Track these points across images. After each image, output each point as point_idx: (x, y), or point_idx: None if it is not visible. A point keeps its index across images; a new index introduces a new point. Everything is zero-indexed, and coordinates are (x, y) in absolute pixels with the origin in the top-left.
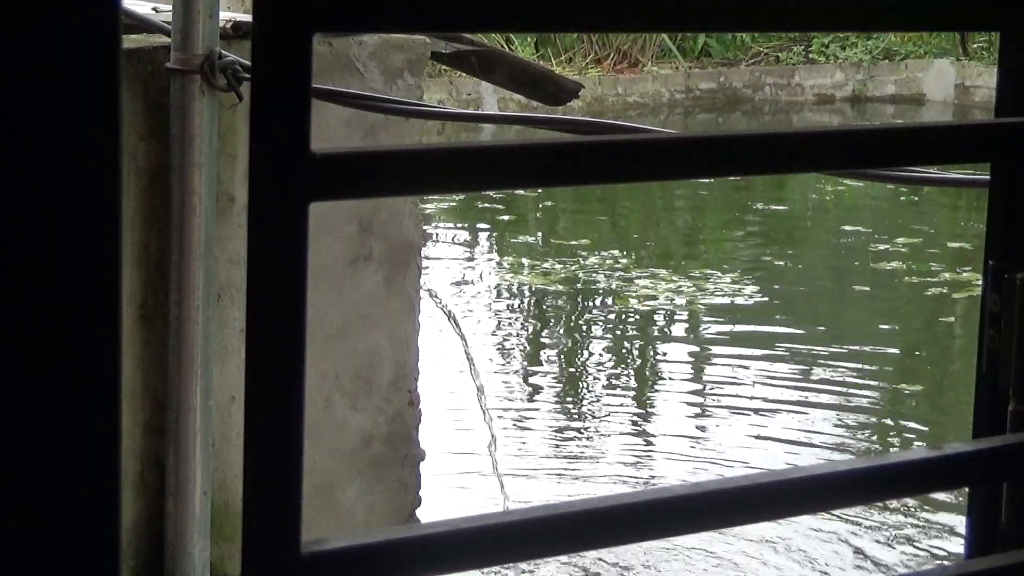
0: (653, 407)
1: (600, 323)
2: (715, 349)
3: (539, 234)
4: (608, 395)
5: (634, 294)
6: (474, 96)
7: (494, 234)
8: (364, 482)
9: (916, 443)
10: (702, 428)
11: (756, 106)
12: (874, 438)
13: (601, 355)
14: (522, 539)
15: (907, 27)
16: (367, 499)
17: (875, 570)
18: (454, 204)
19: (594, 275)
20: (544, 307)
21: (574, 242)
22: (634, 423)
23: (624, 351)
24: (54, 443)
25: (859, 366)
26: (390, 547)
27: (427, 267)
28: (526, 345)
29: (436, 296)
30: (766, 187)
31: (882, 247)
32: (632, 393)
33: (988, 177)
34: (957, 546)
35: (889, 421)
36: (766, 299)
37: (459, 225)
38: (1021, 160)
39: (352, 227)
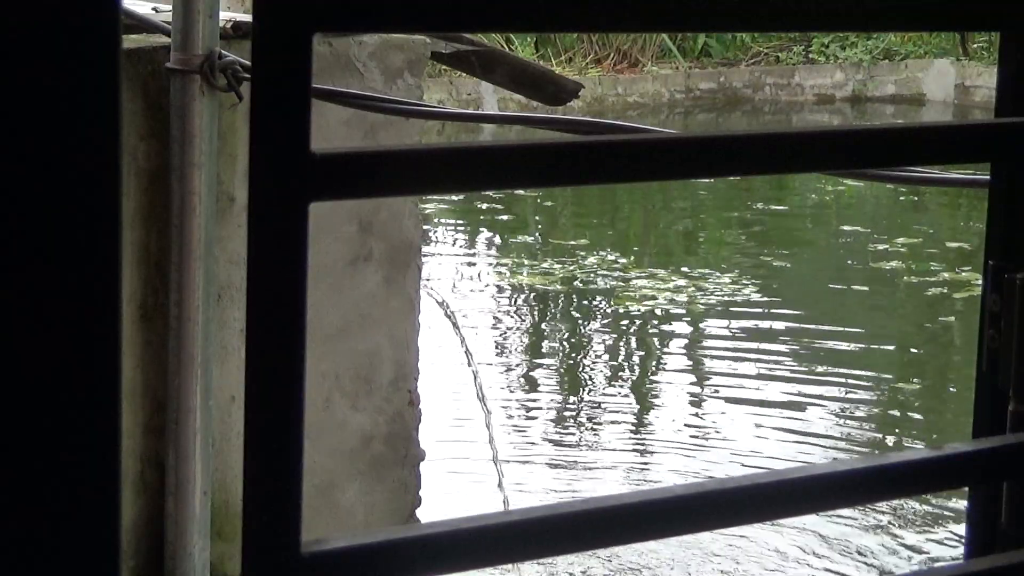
0: (653, 406)
1: (599, 323)
2: (714, 349)
3: (538, 234)
4: (608, 395)
5: (633, 294)
6: (474, 96)
7: (493, 234)
8: (364, 482)
9: (915, 443)
10: (702, 427)
11: (756, 106)
12: (874, 438)
13: (600, 355)
14: (522, 539)
15: (907, 27)
16: (367, 499)
17: (875, 570)
18: (454, 204)
19: (593, 275)
20: (543, 307)
21: (573, 242)
22: (634, 422)
23: (623, 351)
24: (54, 443)
25: (859, 366)
26: (390, 547)
27: (427, 267)
28: (525, 345)
29: (434, 292)
30: (766, 187)
31: (881, 247)
32: (632, 392)
33: (988, 177)
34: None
35: (889, 421)
36: (765, 299)
37: (459, 225)
38: (1021, 160)
39: (352, 227)
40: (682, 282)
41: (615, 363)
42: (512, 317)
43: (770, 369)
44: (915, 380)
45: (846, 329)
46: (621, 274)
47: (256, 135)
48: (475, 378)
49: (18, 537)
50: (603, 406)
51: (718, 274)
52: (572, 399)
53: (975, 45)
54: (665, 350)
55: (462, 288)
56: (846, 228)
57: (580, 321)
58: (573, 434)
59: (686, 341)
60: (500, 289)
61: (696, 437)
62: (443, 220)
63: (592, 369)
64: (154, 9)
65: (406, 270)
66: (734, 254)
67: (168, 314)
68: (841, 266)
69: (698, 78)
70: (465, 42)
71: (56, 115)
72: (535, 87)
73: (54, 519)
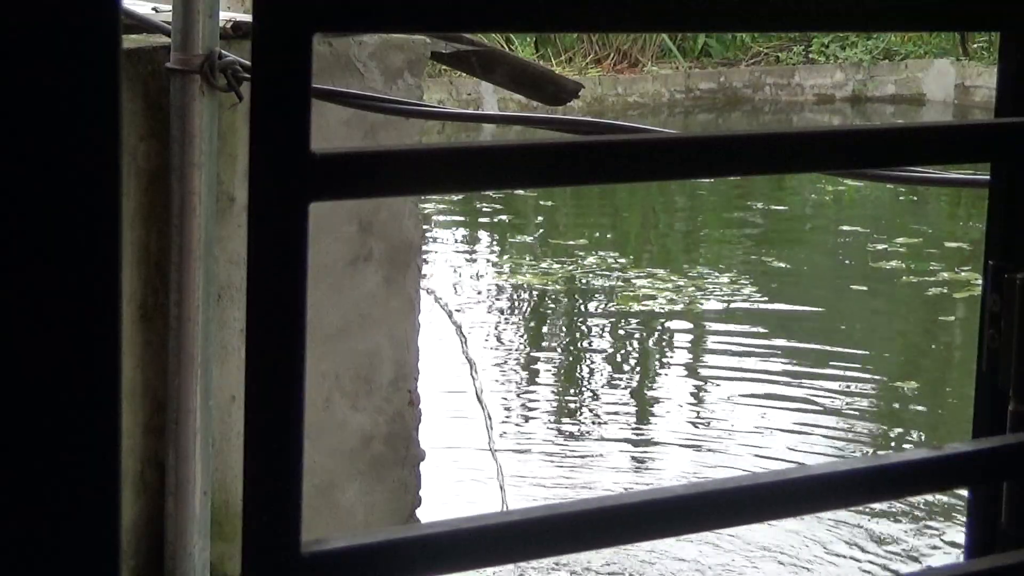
0: (652, 406)
1: (599, 323)
2: (714, 349)
3: (538, 234)
4: (607, 394)
5: (633, 294)
6: (474, 96)
7: (493, 234)
8: (364, 482)
9: (915, 443)
10: (701, 427)
11: (756, 106)
12: (873, 438)
13: (600, 355)
14: (522, 539)
15: (907, 27)
16: (367, 499)
17: (875, 569)
18: (454, 204)
19: (593, 275)
20: (543, 307)
21: (572, 242)
22: (634, 422)
23: (623, 351)
24: (54, 443)
25: (858, 366)
26: (390, 547)
27: (426, 267)
28: (525, 344)
29: (433, 293)
30: (766, 187)
31: (881, 247)
32: (631, 392)
33: (988, 177)
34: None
35: (888, 421)
36: (765, 299)
37: (459, 225)
38: (1021, 160)
39: (352, 227)
40: (682, 282)
41: (615, 363)
42: (512, 317)
43: (769, 369)
44: (915, 380)
45: (846, 329)
46: (621, 274)
47: (256, 135)
48: (474, 381)
49: (18, 537)
50: (603, 405)
51: (717, 274)
52: (572, 398)
53: (975, 45)
54: (664, 350)
55: (462, 288)
56: (846, 228)
57: (580, 321)
58: (573, 433)
59: (686, 341)
60: (500, 289)
61: (696, 437)
62: (443, 220)
63: (592, 369)
64: (154, 9)
65: (406, 270)
66: (734, 254)
67: (168, 314)
68: (841, 266)
69: (698, 78)
70: (465, 42)
71: (56, 115)
72: (535, 87)
73: (54, 519)
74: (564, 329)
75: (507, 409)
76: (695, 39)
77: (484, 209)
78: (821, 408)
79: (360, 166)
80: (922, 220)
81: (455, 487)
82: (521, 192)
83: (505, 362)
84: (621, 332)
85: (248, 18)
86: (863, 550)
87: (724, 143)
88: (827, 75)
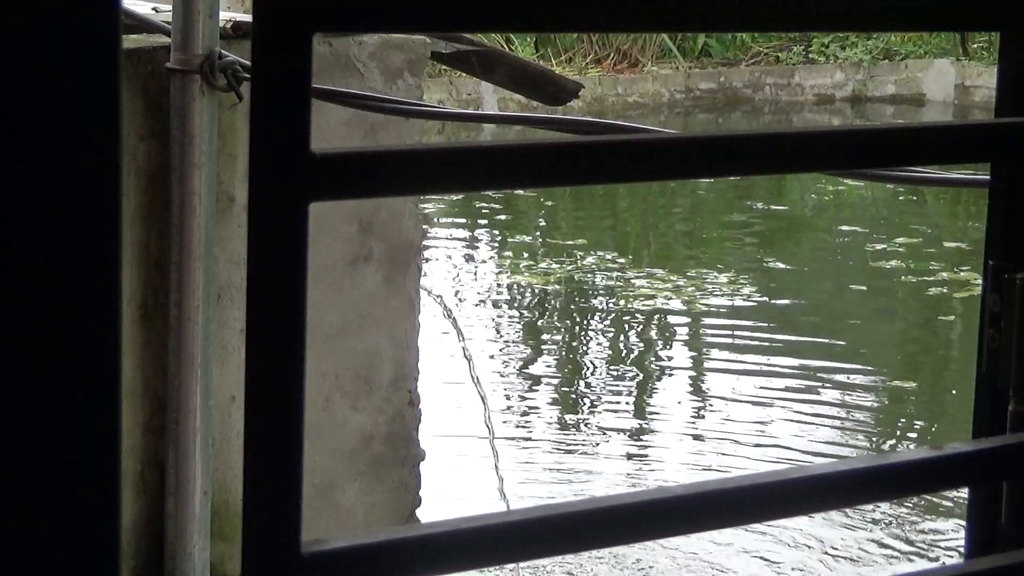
0: (652, 406)
1: (598, 323)
2: (713, 349)
3: (538, 234)
4: (607, 394)
5: (632, 294)
6: (474, 96)
7: (493, 234)
8: (364, 482)
9: (915, 442)
10: (701, 426)
11: (756, 106)
12: (873, 437)
13: (599, 354)
14: (522, 539)
15: (907, 27)
16: (367, 499)
17: (875, 569)
18: (454, 204)
19: (592, 275)
20: (542, 307)
21: (571, 242)
22: (633, 421)
23: (622, 350)
24: (54, 443)
25: (858, 365)
26: (390, 547)
27: (426, 267)
28: (524, 344)
29: (432, 293)
30: (766, 187)
31: (881, 247)
32: (631, 392)
33: (988, 177)
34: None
35: (888, 420)
36: (765, 299)
37: (458, 224)
38: (1021, 160)
39: (352, 227)
40: (681, 282)
41: (614, 362)
42: (511, 316)
43: (769, 369)
44: (914, 380)
45: (845, 329)
46: (620, 274)
47: (256, 135)
48: (476, 382)
49: (18, 537)
50: (602, 404)
51: (716, 274)
52: (571, 397)
53: (975, 45)
54: (664, 350)
55: (461, 288)
56: (845, 228)
57: (579, 321)
58: (573, 432)
59: (685, 341)
60: (499, 288)
61: (695, 436)
62: (443, 220)
63: (591, 368)
64: (154, 9)
65: (406, 270)
66: (733, 254)
67: (168, 314)
68: (840, 266)
69: (698, 78)
70: (465, 42)
71: (56, 115)
72: (535, 87)
73: (54, 519)
74: (563, 328)
75: (506, 407)
76: (695, 39)
77: (484, 209)
78: (821, 408)
79: (360, 166)
80: (922, 220)
81: (453, 472)
82: (521, 192)
83: (505, 361)
84: (620, 332)
85: (248, 18)
86: (865, 552)
87: (724, 143)
88: (827, 75)
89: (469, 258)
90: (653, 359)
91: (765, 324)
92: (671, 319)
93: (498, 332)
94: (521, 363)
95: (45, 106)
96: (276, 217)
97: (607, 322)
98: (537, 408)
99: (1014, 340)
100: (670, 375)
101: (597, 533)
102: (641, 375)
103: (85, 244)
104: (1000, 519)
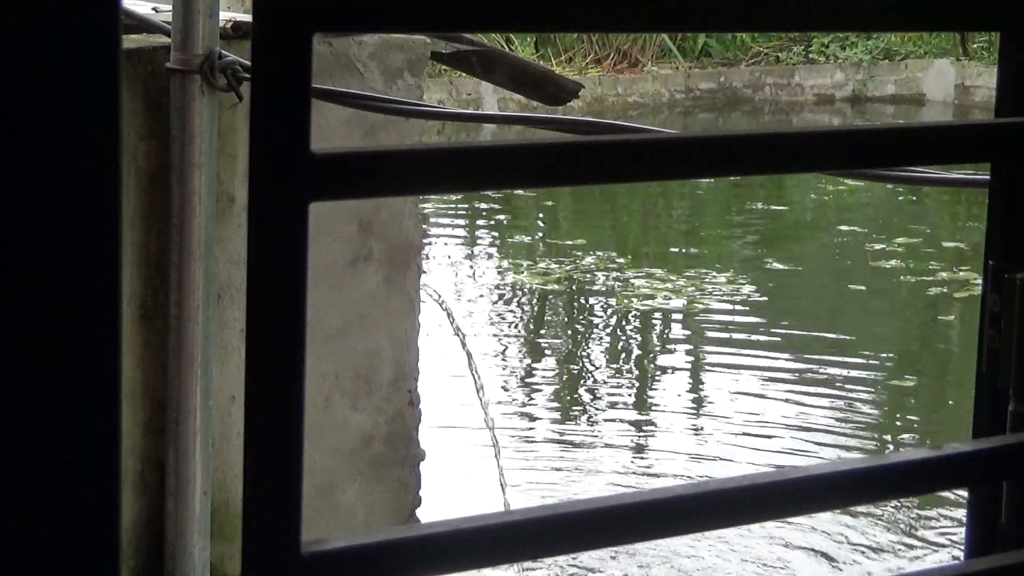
0: (652, 405)
1: (598, 322)
2: (713, 348)
3: (538, 234)
4: (607, 393)
5: (632, 294)
6: (474, 96)
7: (493, 234)
8: (364, 482)
9: (915, 442)
10: (700, 426)
11: (756, 106)
12: (873, 437)
13: (599, 354)
14: (522, 539)
15: (907, 27)
16: (367, 499)
17: (876, 568)
18: (454, 204)
19: (591, 275)
20: (542, 307)
21: (571, 242)
22: (633, 421)
23: (622, 350)
24: (54, 443)
25: (858, 365)
26: (390, 547)
27: (426, 267)
28: (524, 344)
29: (432, 292)
30: (766, 187)
31: (880, 246)
32: (630, 391)
33: (988, 177)
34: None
35: (888, 420)
36: (764, 298)
37: (459, 225)
38: (1021, 160)
39: (352, 227)
40: (681, 281)
41: (614, 362)
42: (511, 316)
43: (769, 368)
44: (914, 380)
45: (845, 328)
46: (619, 274)
47: (256, 135)
48: (476, 383)
49: (18, 537)
50: (602, 404)
51: (716, 274)
52: (571, 397)
53: (975, 45)
54: (664, 349)
55: (461, 288)
56: (845, 228)
57: (579, 320)
58: (573, 432)
59: (685, 340)
60: (499, 288)
61: (695, 436)
62: (443, 220)
63: (591, 368)
64: (154, 9)
65: (406, 270)
66: (733, 254)
67: (168, 314)
68: (840, 266)
69: (698, 78)
70: (465, 42)
71: (56, 115)
72: (535, 87)
73: (54, 519)
74: (563, 328)
75: (507, 407)
76: (695, 39)
77: (484, 209)
78: (820, 408)
79: (360, 166)
80: (922, 220)
81: (453, 465)
82: (521, 192)
83: (504, 361)
84: (620, 332)
85: (248, 18)
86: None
87: (724, 143)
88: (827, 75)
89: (469, 258)
90: (652, 359)
91: (765, 324)
92: (671, 319)
93: (498, 332)
94: (521, 363)
95: (45, 106)
96: (276, 217)
97: (607, 322)
98: (537, 408)
99: (1014, 340)
100: (669, 374)
101: (597, 533)
102: (640, 374)
103: (85, 244)
104: (1000, 519)
